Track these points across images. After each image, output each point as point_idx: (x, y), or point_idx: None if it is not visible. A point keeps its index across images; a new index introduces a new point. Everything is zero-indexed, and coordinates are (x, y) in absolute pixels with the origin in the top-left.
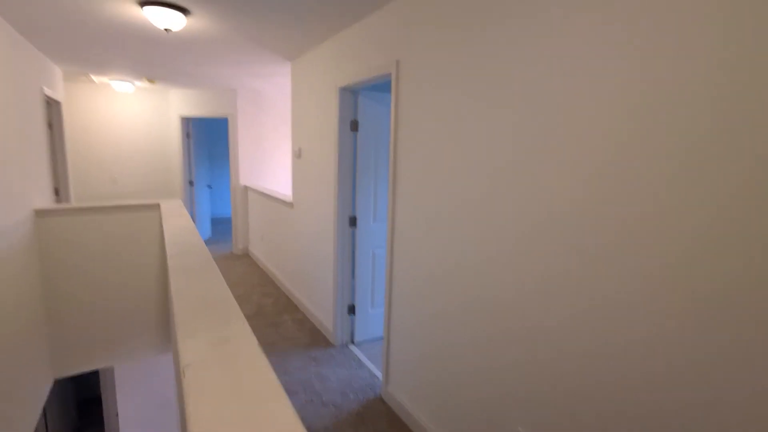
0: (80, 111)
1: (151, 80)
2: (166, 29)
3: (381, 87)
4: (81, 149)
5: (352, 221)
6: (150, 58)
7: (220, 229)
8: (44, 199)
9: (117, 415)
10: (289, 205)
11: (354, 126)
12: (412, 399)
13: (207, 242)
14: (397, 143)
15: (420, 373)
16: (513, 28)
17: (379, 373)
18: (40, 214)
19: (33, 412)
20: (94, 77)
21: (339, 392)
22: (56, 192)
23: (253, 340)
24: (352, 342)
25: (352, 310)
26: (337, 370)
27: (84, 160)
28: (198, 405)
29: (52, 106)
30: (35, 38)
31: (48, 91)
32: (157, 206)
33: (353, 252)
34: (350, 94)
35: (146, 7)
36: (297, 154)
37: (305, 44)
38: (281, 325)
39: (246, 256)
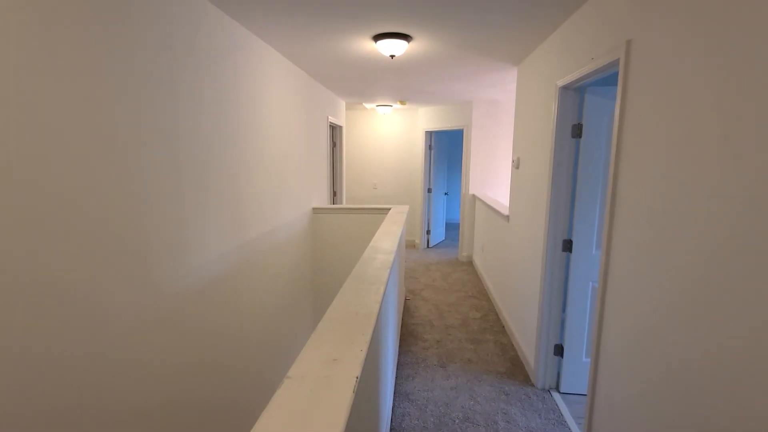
0: (355, 132)
1: (402, 102)
2: (391, 56)
3: (615, 81)
4: (352, 162)
5: (566, 245)
6: (391, 83)
7: (452, 234)
8: (322, 200)
9: None
10: (506, 218)
11: (576, 131)
12: None
13: (439, 245)
14: (621, 150)
15: None
16: None
17: None
18: (315, 210)
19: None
20: (365, 104)
21: None
22: (334, 194)
23: (356, 371)
24: (557, 389)
25: (559, 350)
26: (529, 416)
27: (356, 170)
28: (267, 416)
29: (336, 130)
30: (317, 76)
31: (332, 119)
32: (388, 210)
33: (566, 282)
34: (573, 93)
35: (379, 41)
36: (515, 164)
37: (528, 45)
38: (482, 344)
39: (469, 263)
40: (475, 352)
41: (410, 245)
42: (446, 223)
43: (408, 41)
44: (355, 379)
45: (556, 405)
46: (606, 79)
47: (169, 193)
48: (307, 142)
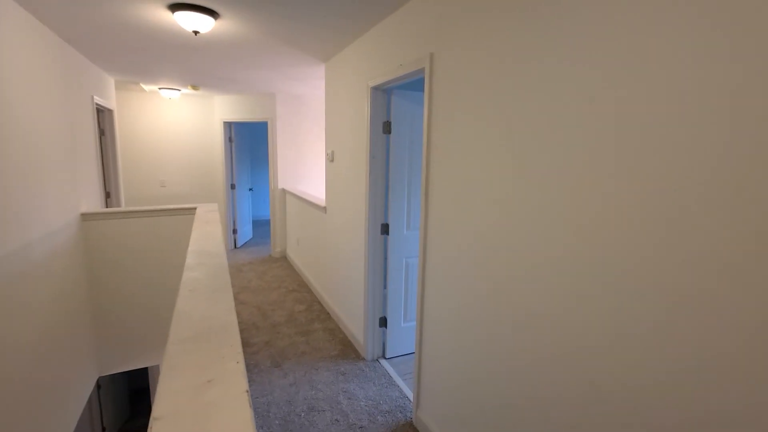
0: (131, 118)
1: (195, 87)
2: (194, 31)
3: (416, 85)
4: (132, 155)
5: (385, 228)
6: (188, 64)
7: (261, 231)
8: (93, 203)
9: None
10: (323, 209)
11: (386, 128)
12: (445, 429)
13: (247, 244)
14: (431, 146)
15: (455, 401)
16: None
17: (410, 394)
18: (85, 217)
19: (77, 408)
20: (144, 86)
21: (367, 413)
22: (108, 195)
23: (241, 385)
24: (384, 356)
25: (383, 322)
26: (366, 387)
27: (135, 165)
28: None
29: (104, 114)
30: (80, 45)
31: (99, 100)
32: (194, 210)
33: (385, 261)
34: (382, 94)
35: (177, 12)
36: (330, 158)
37: (337, 43)
38: (312, 334)
39: (283, 259)
40: (307, 344)
41: None
42: (252, 221)
43: (215, 18)
44: (246, 393)
45: (385, 370)
46: (408, 84)
47: None
48: (66, 128)
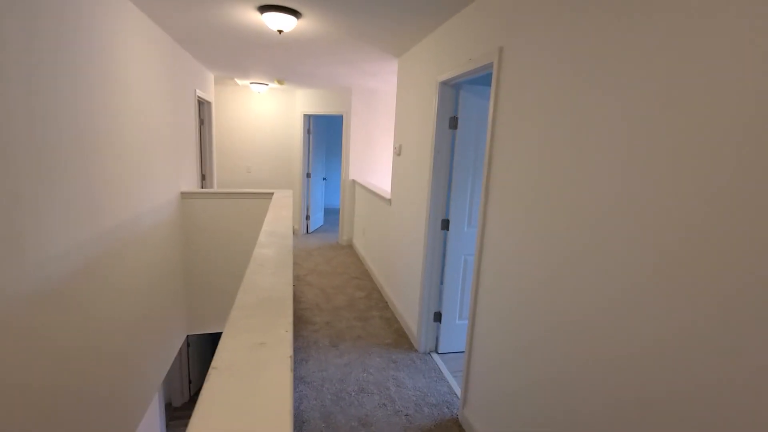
0: (226, 110)
1: (280, 81)
2: (279, 30)
3: (485, 80)
4: (225, 143)
5: (445, 224)
6: (273, 60)
7: (331, 219)
8: (191, 183)
9: None
10: (388, 201)
11: (453, 123)
12: (490, 430)
13: (318, 230)
14: (494, 141)
15: (503, 404)
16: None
17: (458, 391)
18: (185, 195)
19: (168, 357)
20: (237, 80)
21: (414, 403)
22: (203, 177)
23: (287, 351)
24: (436, 351)
25: (438, 317)
26: (415, 377)
27: (227, 153)
28: (203, 409)
29: (204, 106)
30: (187, 44)
31: (200, 93)
32: (272, 194)
33: (443, 257)
34: (450, 89)
35: (265, 13)
36: (397, 152)
37: (410, 38)
38: (369, 321)
39: (349, 247)
40: (364, 329)
41: None
42: (324, 209)
43: (297, 18)
44: (290, 358)
45: (436, 364)
46: (476, 79)
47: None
48: (173, 118)
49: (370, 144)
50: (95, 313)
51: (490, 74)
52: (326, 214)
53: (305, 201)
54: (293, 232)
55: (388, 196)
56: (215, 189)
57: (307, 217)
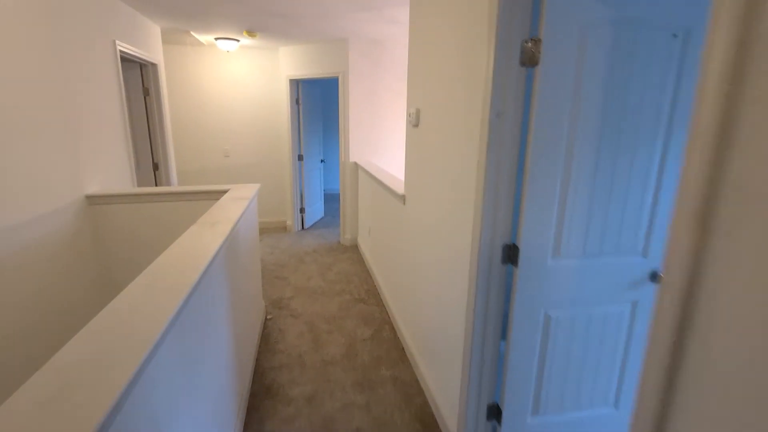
0: (189, 76)
1: (251, 33)
2: None
3: None
4: (191, 121)
5: (510, 253)
6: None
7: (333, 208)
8: (117, 180)
9: None
10: (400, 198)
11: (529, 53)
12: None
13: (317, 224)
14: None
15: None
16: None
17: None
18: (92, 200)
19: None
20: (196, 35)
21: None
22: (156, 167)
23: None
24: None
25: (494, 413)
26: None
27: (194, 133)
28: None
29: (147, 69)
30: None
31: (126, 47)
32: (224, 192)
33: (506, 310)
34: None
35: None
36: (413, 120)
37: None
38: (376, 390)
39: (354, 248)
40: (368, 410)
41: (280, 228)
42: (325, 194)
43: None
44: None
45: None
46: None
47: None
48: (63, 85)
49: (375, 113)
50: None
51: None
52: (327, 201)
53: (297, 189)
54: (285, 230)
55: (400, 190)
56: (134, 189)
57: (302, 210)
